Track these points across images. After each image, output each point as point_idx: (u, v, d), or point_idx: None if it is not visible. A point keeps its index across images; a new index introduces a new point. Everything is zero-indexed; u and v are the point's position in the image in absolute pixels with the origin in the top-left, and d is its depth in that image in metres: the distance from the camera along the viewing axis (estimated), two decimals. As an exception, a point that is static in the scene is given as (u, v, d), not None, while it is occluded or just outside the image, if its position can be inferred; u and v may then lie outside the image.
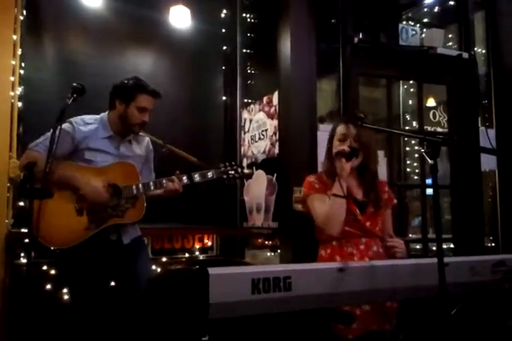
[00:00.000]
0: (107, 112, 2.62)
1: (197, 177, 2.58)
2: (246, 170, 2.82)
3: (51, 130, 2.16)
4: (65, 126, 2.47)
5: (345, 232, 2.23)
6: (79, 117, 2.56)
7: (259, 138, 3.71)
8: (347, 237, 2.24)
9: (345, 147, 2.23)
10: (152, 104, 2.57)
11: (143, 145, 2.73)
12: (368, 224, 2.27)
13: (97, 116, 2.61)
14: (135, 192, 2.50)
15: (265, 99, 3.66)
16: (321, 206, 2.26)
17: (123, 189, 2.49)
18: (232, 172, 2.63)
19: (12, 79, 3.22)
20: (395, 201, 2.47)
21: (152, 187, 2.53)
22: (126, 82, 2.55)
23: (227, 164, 2.65)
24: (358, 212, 2.26)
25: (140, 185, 2.51)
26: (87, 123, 2.54)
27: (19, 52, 3.29)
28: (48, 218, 2.30)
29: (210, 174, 2.59)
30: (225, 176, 2.62)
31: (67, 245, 2.41)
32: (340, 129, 2.33)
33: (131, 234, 2.61)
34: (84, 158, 2.49)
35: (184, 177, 2.56)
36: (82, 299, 2.45)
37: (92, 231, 2.43)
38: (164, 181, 2.54)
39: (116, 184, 2.49)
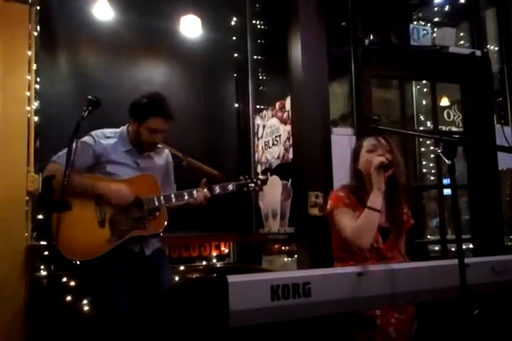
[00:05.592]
0: (126, 125, 2.64)
1: (217, 189, 2.63)
2: (261, 176, 2.85)
3: (71, 143, 2.16)
4: (87, 138, 2.51)
5: (364, 257, 2.18)
6: (100, 130, 2.59)
7: (273, 144, 3.71)
8: (365, 260, 2.18)
9: (383, 158, 2.10)
10: (164, 125, 2.56)
11: (162, 156, 2.76)
12: (387, 253, 2.21)
13: (118, 130, 2.63)
14: (156, 203, 2.52)
15: (278, 104, 3.66)
16: (351, 219, 2.18)
17: (144, 201, 2.51)
18: (252, 185, 2.71)
19: (28, 94, 3.26)
20: (412, 221, 2.40)
21: (173, 200, 2.55)
22: (141, 100, 2.54)
23: (246, 177, 2.73)
24: (380, 239, 2.19)
25: (162, 197, 2.53)
26: (107, 136, 2.57)
27: (34, 67, 3.32)
28: (69, 230, 2.31)
29: (230, 187, 2.66)
30: (245, 189, 2.70)
31: (89, 257, 2.42)
32: (370, 140, 2.25)
33: (153, 246, 2.63)
34: (106, 171, 2.52)
35: (205, 190, 2.58)
36: (105, 310, 2.46)
37: (114, 243, 2.45)
38: (185, 193, 2.56)
39: (137, 196, 2.51)
